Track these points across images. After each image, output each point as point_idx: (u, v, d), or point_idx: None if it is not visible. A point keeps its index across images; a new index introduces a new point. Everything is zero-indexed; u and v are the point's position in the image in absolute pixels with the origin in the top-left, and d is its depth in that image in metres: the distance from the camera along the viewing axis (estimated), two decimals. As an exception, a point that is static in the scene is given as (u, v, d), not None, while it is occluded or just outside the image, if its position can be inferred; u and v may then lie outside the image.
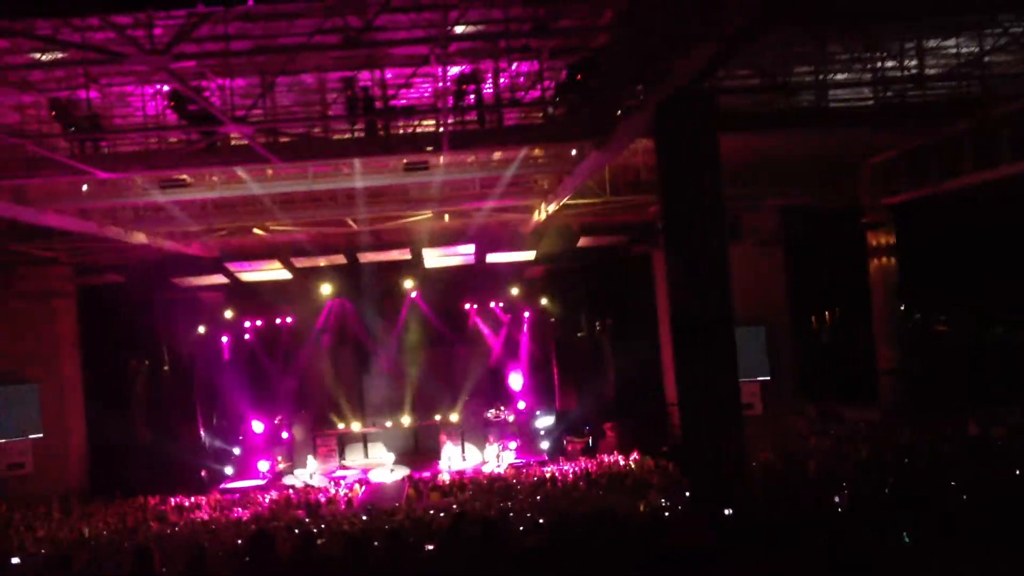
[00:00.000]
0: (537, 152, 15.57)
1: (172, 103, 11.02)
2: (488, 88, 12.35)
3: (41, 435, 19.97)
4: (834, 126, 14.01)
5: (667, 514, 10.78)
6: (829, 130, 14.48)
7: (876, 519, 8.47)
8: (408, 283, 23.13)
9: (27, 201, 14.70)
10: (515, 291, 23.74)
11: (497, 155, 15.56)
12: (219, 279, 22.18)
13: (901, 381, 20.13)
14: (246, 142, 11.95)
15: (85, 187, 14.75)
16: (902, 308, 21.01)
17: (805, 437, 17.73)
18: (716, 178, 11.57)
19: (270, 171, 15.12)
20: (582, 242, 21.43)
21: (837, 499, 10.18)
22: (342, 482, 21.04)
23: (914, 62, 13.11)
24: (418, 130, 13.48)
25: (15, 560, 11.41)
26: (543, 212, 19.01)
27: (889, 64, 13.18)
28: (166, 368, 23.15)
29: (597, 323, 23.79)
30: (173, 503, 19.45)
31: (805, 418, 19.32)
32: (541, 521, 11.13)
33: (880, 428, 17.84)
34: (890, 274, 20.23)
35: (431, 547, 8.67)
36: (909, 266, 20.17)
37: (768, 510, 9.90)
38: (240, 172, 14.71)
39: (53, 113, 11.48)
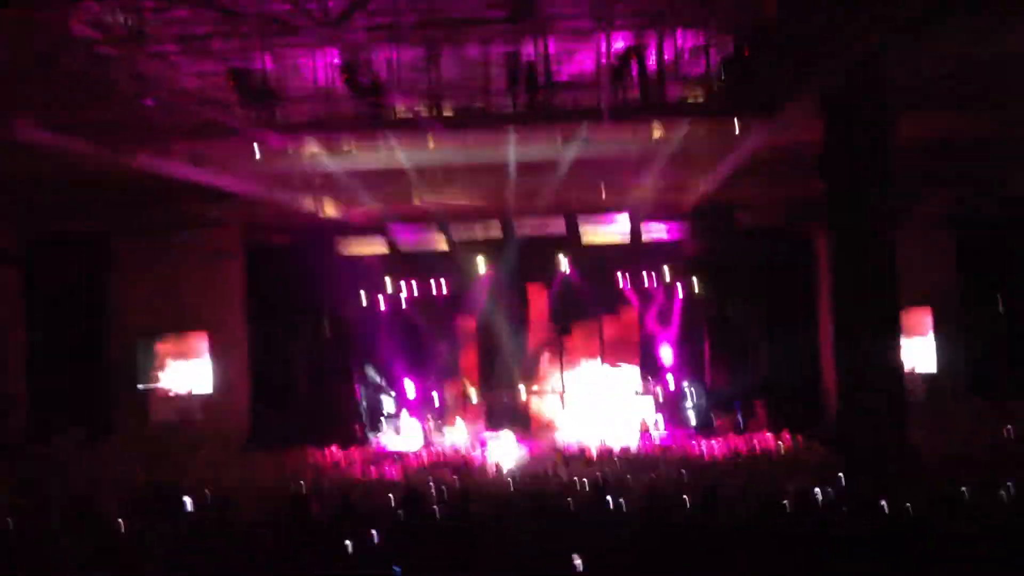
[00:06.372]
0: (698, 129, 15.27)
1: (344, 75, 11.46)
2: (651, 62, 12.22)
3: (211, 389, 20.90)
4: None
5: (819, 498, 10.48)
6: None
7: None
8: (562, 257, 23.18)
9: (203, 163, 15.54)
10: (669, 268, 23.40)
11: (657, 132, 15.35)
12: (379, 247, 22.89)
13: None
14: (411, 114, 12.28)
15: (257, 153, 15.42)
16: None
17: (972, 433, 16.74)
18: (887, 162, 11.10)
19: (431, 143, 15.40)
20: (740, 221, 20.91)
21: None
22: (488, 447, 21.34)
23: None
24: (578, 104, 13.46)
25: (187, 500, 12.22)
26: (701, 190, 18.70)
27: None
28: (327, 329, 24.02)
29: (752, 302, 23.16)
30: (327, 455, 20.21)
31: (972, 412, 18.22)
32: (685, 497, 10.98)
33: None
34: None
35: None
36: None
37: (929, 507, 9.51)
38: (400, 142, 15.07)
39: (231, 82, 12.13)
